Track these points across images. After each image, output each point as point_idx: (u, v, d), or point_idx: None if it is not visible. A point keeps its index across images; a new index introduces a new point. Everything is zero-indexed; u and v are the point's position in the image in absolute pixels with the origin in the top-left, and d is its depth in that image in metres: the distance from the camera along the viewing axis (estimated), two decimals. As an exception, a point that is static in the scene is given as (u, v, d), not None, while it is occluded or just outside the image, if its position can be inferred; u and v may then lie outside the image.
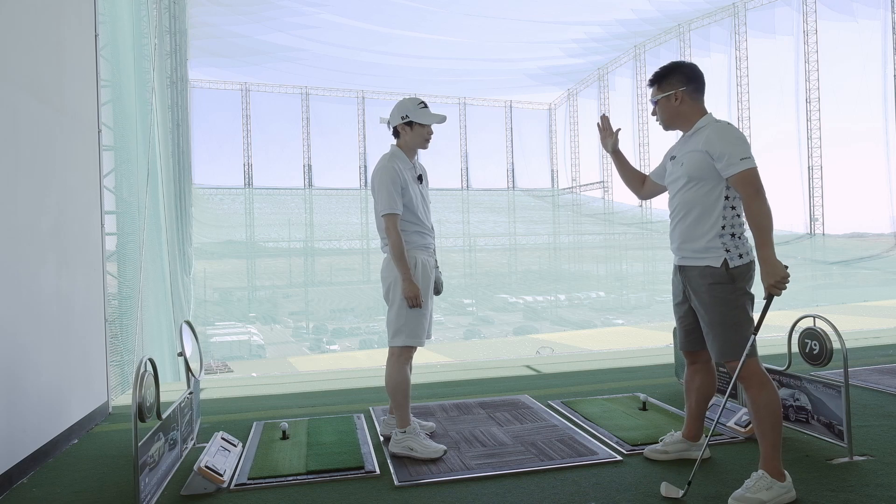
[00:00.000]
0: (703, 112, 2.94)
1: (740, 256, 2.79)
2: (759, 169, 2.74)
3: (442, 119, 3.62)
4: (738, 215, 2.83)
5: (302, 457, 3.54)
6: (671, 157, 3.05)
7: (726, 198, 2.81)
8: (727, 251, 2.79)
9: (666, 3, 28.62)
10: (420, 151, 3.71)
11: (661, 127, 3.07)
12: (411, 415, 3.57)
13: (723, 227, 2.81)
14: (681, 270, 2.99)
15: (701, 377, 3.20)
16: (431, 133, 3.61)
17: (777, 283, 2.63)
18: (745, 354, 2.75)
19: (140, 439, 2.75)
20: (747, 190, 2.72)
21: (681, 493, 2.82)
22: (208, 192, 36.00)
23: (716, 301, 2.81)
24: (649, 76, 3.06)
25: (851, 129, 32.69)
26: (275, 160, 47.64)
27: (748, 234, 2.84)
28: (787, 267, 2.64)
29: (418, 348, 3.61)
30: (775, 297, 2.71)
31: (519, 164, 44.23)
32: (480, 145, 43.94)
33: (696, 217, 2.86)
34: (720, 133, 2.79)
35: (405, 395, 3.52)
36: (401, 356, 3.53)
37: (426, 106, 3.59)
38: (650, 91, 3.04)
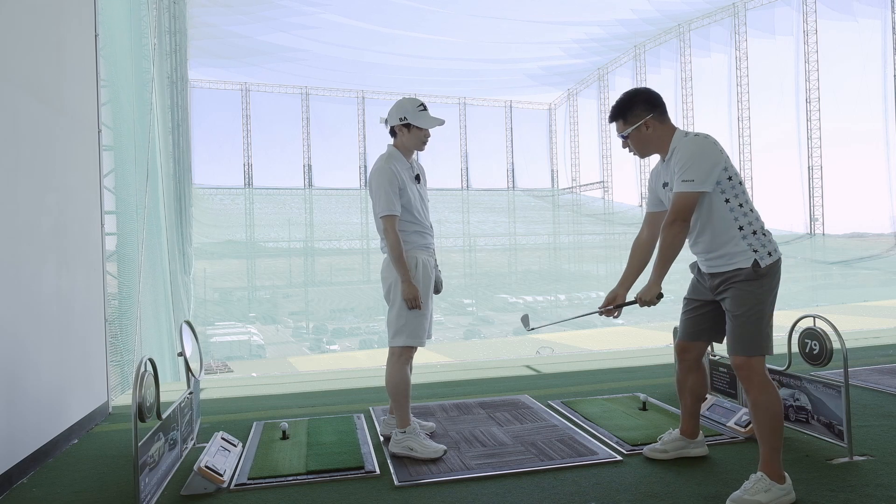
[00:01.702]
0: (673, 130, 2.90)
1: (769, 255, 2.76)
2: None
3: (440, 123, 3.61)
4: (752, 210, 2.80)
5: (302, 457, 3.54)
6: (663, 183, 2.99)
7: (726, 201, 2.77)
8: (755, 251, 2.75)
9: (666, 3, 28.61)
10: (419, 151, 3.71)
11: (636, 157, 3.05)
12: (411, 415, 3.57)
13: (741, 228, 2.77)
14: (710, 276, 2.92)
15: (693, 377, 3.20)
16: (429, 136, 3.60)
17: (646, 302, 2.88)
18: (757, 349, 2.74)
19: (140, 439, 2.75)
20: (670, 212, 2.77)
21: (529, 328, 3.23)
22: (208, 192, 35.99)
23: (744, 295, 2.76)
24: (609, 111, 2.98)
25: (851, 129, 32.67)
26: (275, 160, 47.67)
27: (768, 227, 2.82)
28: (660, 297, 2.85)
29: (418, 348, 3.61)
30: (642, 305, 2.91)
31: (519, 164, 44.24)
32: (480, 145, 43.91)
33: (712, 231, 2.82)
34: (682, 151, 2.79)
35: (405, 396, 3.52)
36: (401, 356, 3.53)
37: (425, 108, 3.59)
38: (615, 126, 2.98)
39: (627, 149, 3.01)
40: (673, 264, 2.96)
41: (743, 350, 2.76)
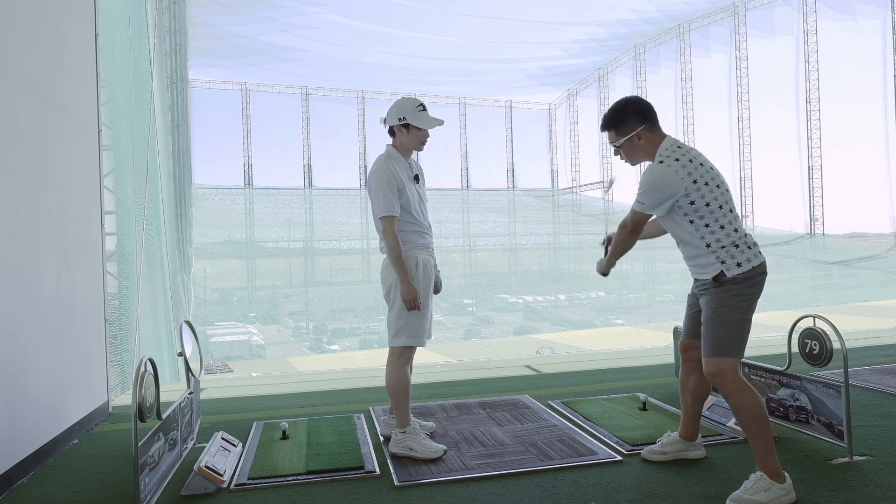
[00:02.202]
0: (663, 139, 2.95)
1: (738, 265, 2.79)
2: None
3: (439, 123, 3.61)
4: (722, 227, 2.80)
5: (302, 457, 3.54)
6: None
7: (690, 221, 2.83)
8: (722, 262, 2.80)
9: (666, 2, 28.63)
10: (418, 151, 3.71)
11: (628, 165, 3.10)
12: (411, 415, 3.57)
13: (708, 245, 2.83)
14: (694, 280, 3.04)
15: (696, 378, 3.21)
16: (428, 136, 3.60)
17: (598, 271, 3.24)
18: (724, 351, 2.78)
19: (140, 439, 2.75)
20: (627, 217, 2.98)
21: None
22: (208, 192, 36.00)
23: (712, 299, 2.85)
24: (602, 118, 3.02)
25: (851, 129, 32.65)
26: (275, 160, 47.65)
27: (747, 241, 2.82)
28: (605, 275, 3.23)
29: (418, 348, 3.61)
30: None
31: (519, 164, 44.26)
32: (480, 145, 43.90)
33: (683, 244, 2.94)
34: (645, 174, 2.89)
35: (405, 396, 3.52)
36: (401, 356, 3.53)
37: (425, 108, 3.58)
38: (607, 135, 3.03)
39: (619, 157, 3.07)
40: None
41: (710, 351, 2.82)
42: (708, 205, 2.81)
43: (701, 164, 2.82)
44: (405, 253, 3.46)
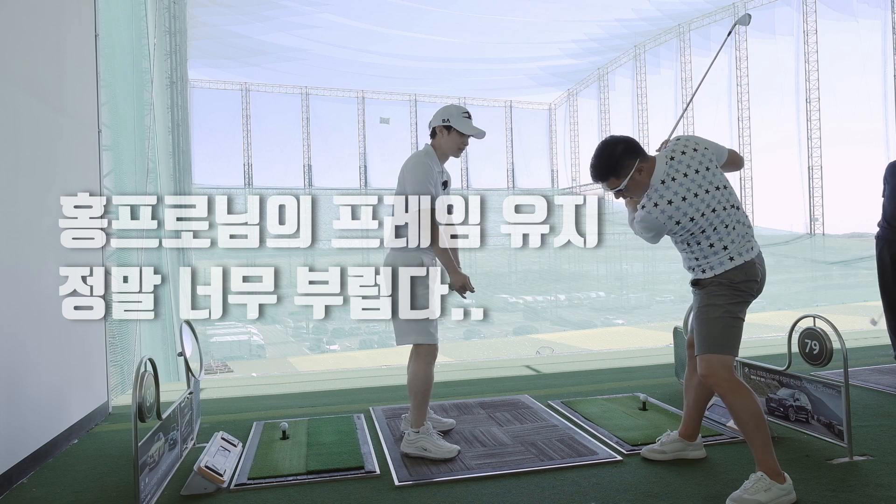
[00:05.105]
0: (654, 162, 2.89)
1: (712, 267, 2.82)
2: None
3: (481, 134, 3.66)
4: (711, 245, 2.81)
5: (302, 457, 3.55)
6: None
7: (679, 242, 2.90)
8: (703, 271, 2.86)
9: (666, 2, 28.60)
10: (454, 157, 3.76)
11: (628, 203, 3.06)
12: (428, 413, 3.59)
13: (696, 259, 2.87)
14: None
15: (699, 377, 3.21)
16: (466, 144, 3.68)
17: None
18: (716, 348, 2.78)
19: (140, 439, 2.75)
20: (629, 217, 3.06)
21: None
22: (208, 192, 35.95)
23: (698, 297, 2.90)
24: (592, 171, 2.93)
25: (851, 129, 32.55)
26: (275, 160, 47.53)
27: (728, 248, 2.81)
28: None
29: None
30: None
31: (519, 164, 44.21)
32: (480, 145, 43.78)
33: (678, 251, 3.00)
34: (642, 210, 2.91)
35: (427, 395, 3.52)
36: (424, 355, 3.52)
37: (470, 117, 3.66)
38: (604, 185, 2.93)
39: (622, 199, 3.02)
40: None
41: (700, 348, 2.84)
42: (693, 234, 2.82)
43: (683, 198, 2.76)
44: (413, 254, 3.48)
